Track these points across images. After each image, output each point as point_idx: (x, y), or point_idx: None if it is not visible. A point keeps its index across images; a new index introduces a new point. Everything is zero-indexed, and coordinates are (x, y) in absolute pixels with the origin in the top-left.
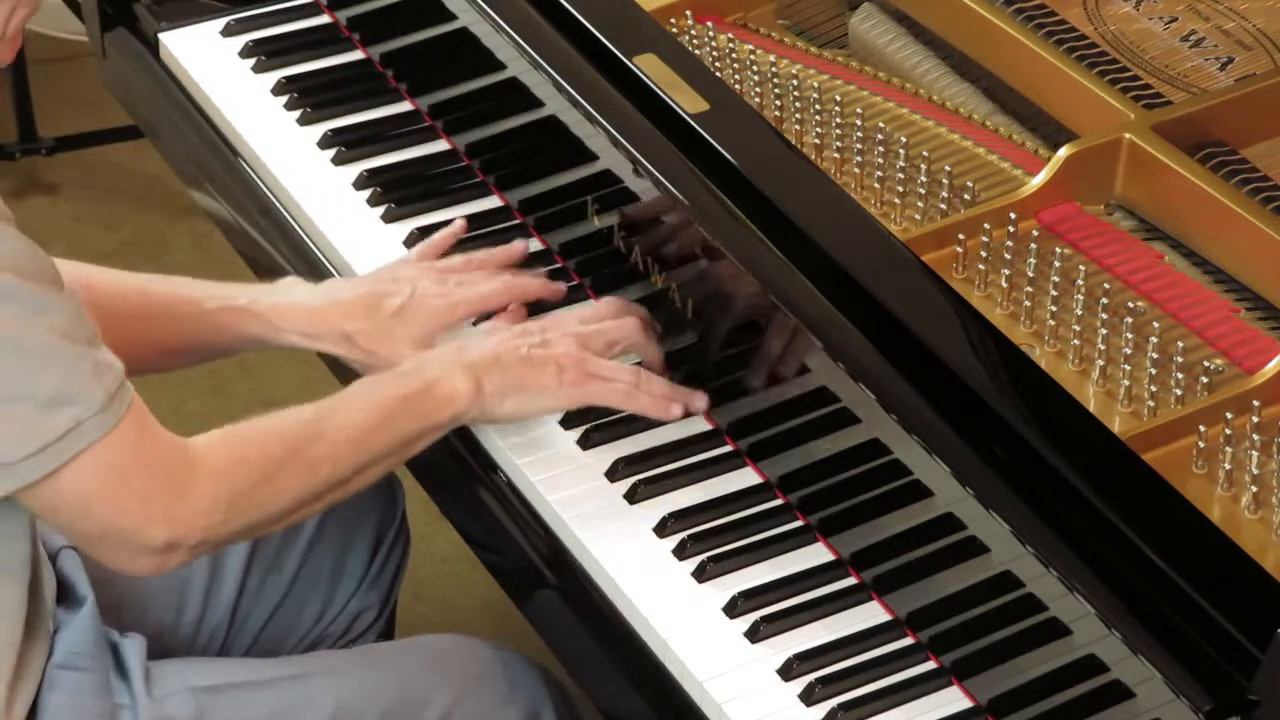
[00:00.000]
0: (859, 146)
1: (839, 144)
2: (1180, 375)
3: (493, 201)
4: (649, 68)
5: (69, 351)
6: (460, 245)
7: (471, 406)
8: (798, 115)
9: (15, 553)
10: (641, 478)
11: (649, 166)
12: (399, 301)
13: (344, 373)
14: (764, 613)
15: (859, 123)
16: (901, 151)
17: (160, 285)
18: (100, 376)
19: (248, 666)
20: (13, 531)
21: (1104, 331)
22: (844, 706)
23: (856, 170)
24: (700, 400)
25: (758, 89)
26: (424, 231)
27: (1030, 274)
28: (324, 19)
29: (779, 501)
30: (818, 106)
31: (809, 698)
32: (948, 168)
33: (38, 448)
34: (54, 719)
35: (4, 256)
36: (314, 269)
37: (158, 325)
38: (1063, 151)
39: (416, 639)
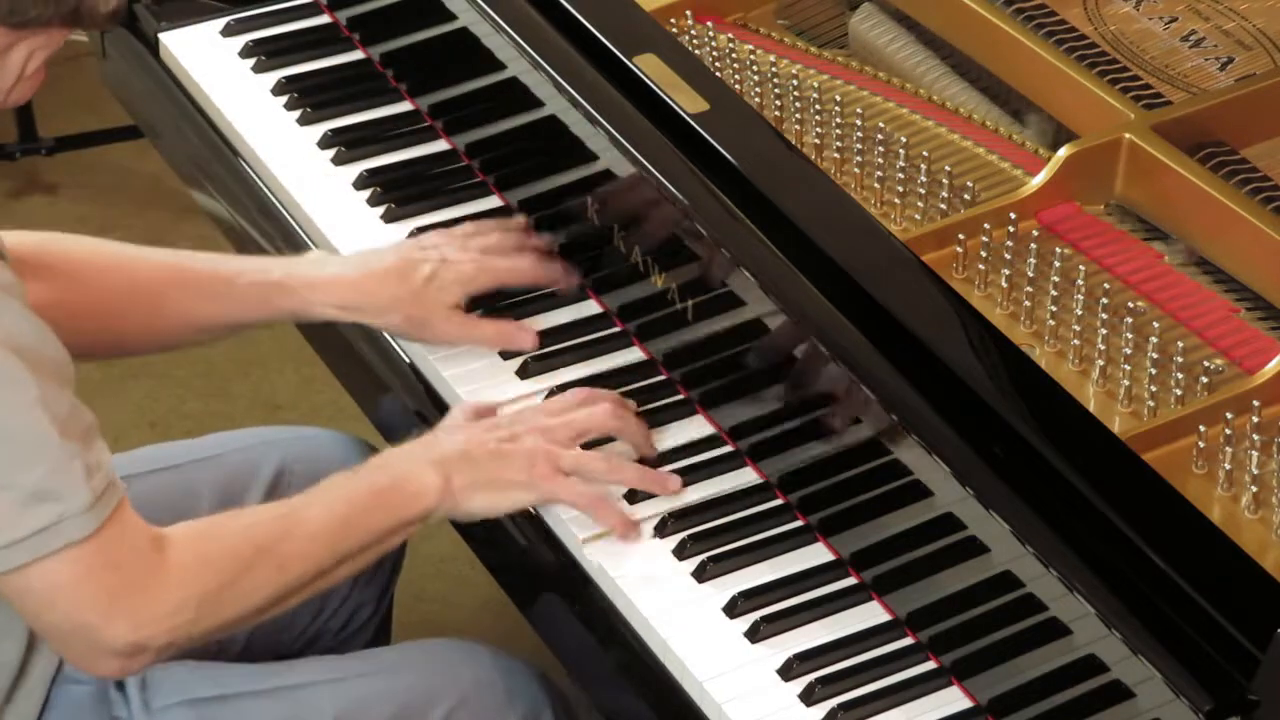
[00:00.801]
0: (859, 146)
1: (839, 144)
2: (1180, 375)
3: (493, 201)
4: (649, 68)
5: (63, 447)
6: None
7: (442, 501)
8: (798, 115)
9: None
10: None
11: (649, 166)
12: (430, 268)
13: (343, 373)
14: (764, 613)
15: (859, 123)
16: (901, 151)
17: (195, 262)
18: (90, 477)
19: (246, 674)
20: None
21: (1104, 331)
22: (844, 706)
23: (856, 170)
24: (674, 483)
25: (758, 89)
26: (424, 231)
27: (1030, 274)
28: (324, 19)
29: (779, 501)
30: (818, 106)
31: (809, 698)
32: (948, 168)
33: (9, 541)
34: None
35: (8, 335)
36: None
37: (193, 301)
38: (1063, 151)
39: (415, 644)
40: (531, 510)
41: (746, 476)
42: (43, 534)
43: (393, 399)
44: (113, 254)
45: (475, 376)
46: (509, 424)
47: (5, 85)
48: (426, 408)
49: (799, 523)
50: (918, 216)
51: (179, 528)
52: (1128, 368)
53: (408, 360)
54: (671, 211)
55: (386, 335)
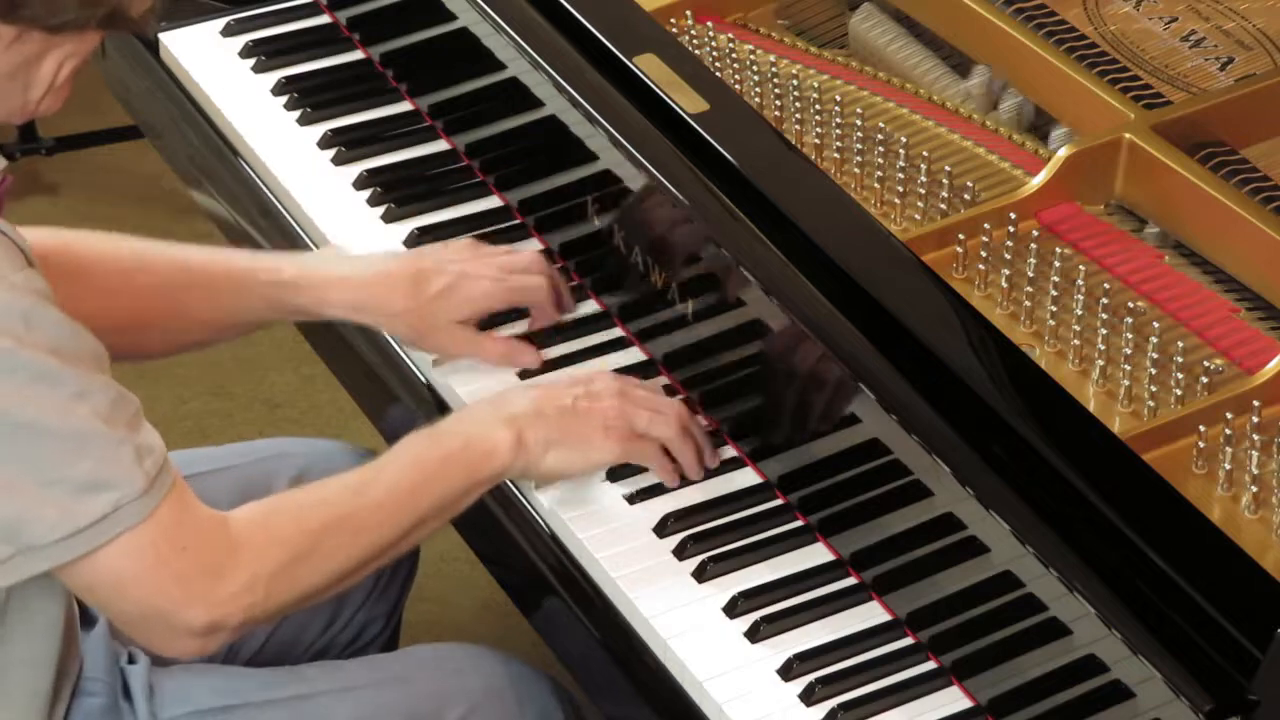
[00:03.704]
0: (859, 146)
1: (839, 144)
2: (1180, 375)
3: (493, 201)
4: (649, 68)
5: (109, 436)
6: None
7: (515, 460)
8: (798, 115)
9: (50, 611)
10: (641, 479)
11: (649, 166)
12: (445, 282)
13: (343, 372)
14: (764, 613)
15: (859, 123)
16: (901, 151)
17: (210, 261)
18: (141, 460)
19: (255, 682)
20: (50, 591)
21: (1104, 331)
22: (844, 706)
23: (856, 170)
24: (716, 458)
25: (758, 89)
26: (424, 231)
27: (1030, 274)
28: (324, 19)
29: (779, 501)
30: (818, 106)
31: (809, 698)
32: (948, 168)
33: (69, 532)
34: None
35: (44, 338)
36: None
37: (211, 302)
38: (1063, 151)
39: (424, 649)
40: (531, 510)
41: (746, 476)
42: (101, 523)
43: (398, 405)
44: (134, 255)
45: (477, 378)
46: (585, 381)
47: (36, 95)
48: (429, 409)
49: (799, 523)
50: (918, 216)
51: (243, 509)
52: (1128, 368)
53: (407, 360)
54: (672, 212)
55: (387, 336)
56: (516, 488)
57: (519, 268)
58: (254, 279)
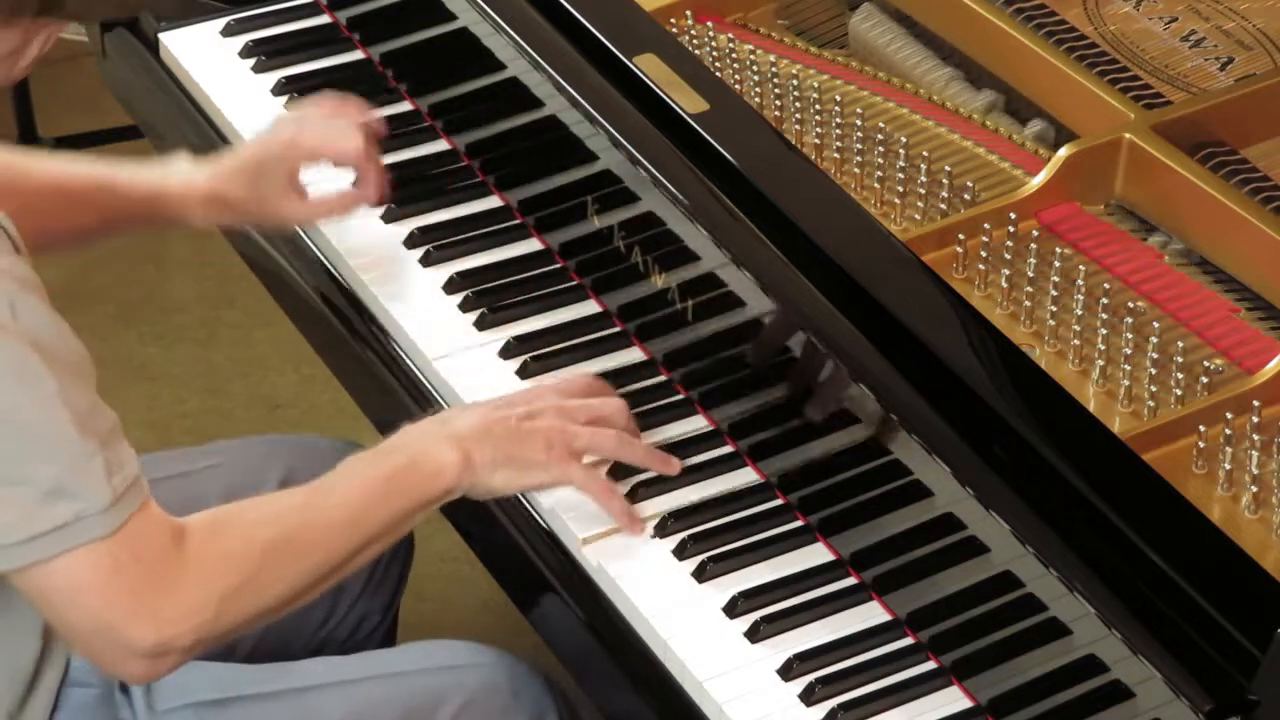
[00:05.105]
0: (859, 146)
1: (839, 144)
2: (1180, 375)
3: (493, 201)
4: (649, 68)
5: (82, 444)
6: (459, 243)
7: (462, 480)
8: (798, 115)
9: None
10: (641, 479)
11: (649, 166)
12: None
13: (343, 372)
14: (764, 613)
15: (859, 123)
16: (901, 151)
17: (77, 169)
18: (110, 475)
19: (251, 676)
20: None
21: (1104, 331)
22: (844, 706)
23: (856, 170)
24: (676, 465)
25: (758, 89)
26: (424, 231)
27: (1030, 274)
28: (324, 19)
29: (779, 501)
30: (818, 106)
31: (809, 698)
32: (948, 168)
33: (26, 536)
34: None
35: (28, 329)
36: (313, 268)
37: (78, 210)
38: (1063, 151)
39: (421, 645)
40: (531, 509)
41: (746, 476)
42: (60, 531)
43: (398, 405)
44: (6, 166)
45: (474, 375)
46: (525, 401)
47: (23, 66)
48: (428, 408)
49: (799, 523)
50: (918, 216)
51: (197, 519)
52: (1128, 368)
53: (407, 360)
54: (672, 212)
55: (387, 337)
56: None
57: (337, 110)
58: (121, 190)
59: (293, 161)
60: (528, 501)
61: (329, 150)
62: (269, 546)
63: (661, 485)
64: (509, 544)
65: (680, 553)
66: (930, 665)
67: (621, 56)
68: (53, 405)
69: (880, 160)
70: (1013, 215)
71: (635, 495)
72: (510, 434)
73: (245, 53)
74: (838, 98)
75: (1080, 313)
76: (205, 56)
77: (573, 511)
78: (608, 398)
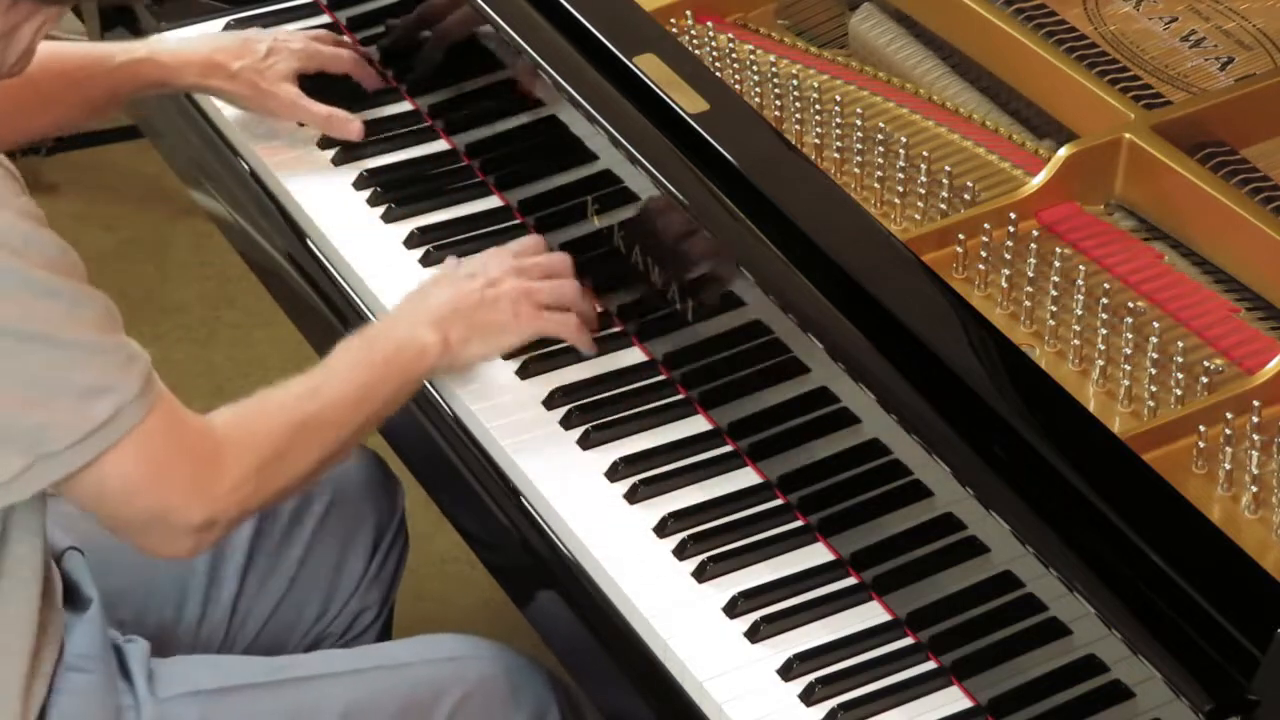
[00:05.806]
0: (859, 146)
1: (839, 144)
2: (1180, 375)
3: (493, 201)
4: (649, 68)
5: (105, 342)
6: (459, 243)
7: (441, 359)
8: (798, 115)
9: (30, 556)
10: (641, 478)
11: (649, 166)
12: (265, 45)
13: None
14: (764, 613)
15: (859, 123)
16: (901, 151)
17: (71, 50)
18: (132, 364)
19: (253, 666)
20: (28, 534)
21: (1104, 331)
22: (844, 706)
23: (856, 170)
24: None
25: (758, 89)
26: (424, 231)
27: (1030, 274)
28: (324, 18)
29: (779, 501)
30: (818, 106)
31: (809, 698)
32: (948, 168)
33: (81, 435)
34: None
35: (41, 257)
36: (313, 268)
37: (75, 86)
38: (1063, 151)
39: (422, 639)
40: (531, 509)
41: (746, 477)
42: (107, 426)
43: None
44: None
45: (476, 377)
46: (483, 269)
47: (11, 59)
48: (429, 409)
49: (799, 523)
50: (918, 216)
51: (219, 410)
52: (1128, 368)
53: None
54: (672, 212)
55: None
56: (518, 488)
57: (326, 39)
58: (114, 62)
59: (303, 56)
60: (528, 500)
61: (337, 63)
62: (294, 424)
63: (661, 485)
64: (509, 543)
65: (680, 553)
66: (930, 665)
67: (621, 56)
68: (76, 316)
69: (880, 160)
70: (1013, 215)
71: (635, 495)
72: (477, 306)
73: None
74: (838, 98)
75: (1080, 313)
76: None
77: (572, 510)
78: (552, 254)
